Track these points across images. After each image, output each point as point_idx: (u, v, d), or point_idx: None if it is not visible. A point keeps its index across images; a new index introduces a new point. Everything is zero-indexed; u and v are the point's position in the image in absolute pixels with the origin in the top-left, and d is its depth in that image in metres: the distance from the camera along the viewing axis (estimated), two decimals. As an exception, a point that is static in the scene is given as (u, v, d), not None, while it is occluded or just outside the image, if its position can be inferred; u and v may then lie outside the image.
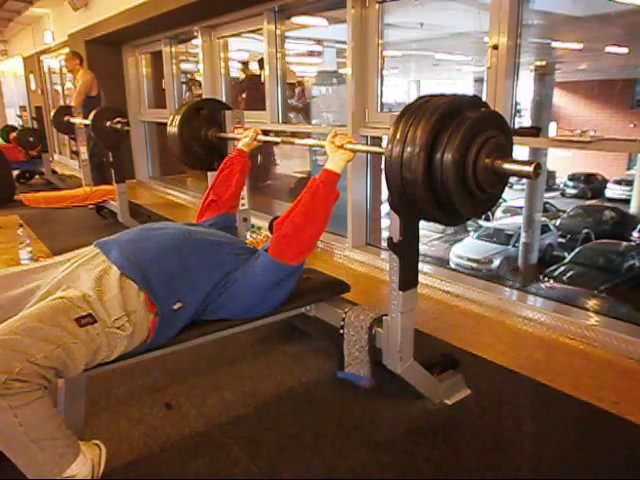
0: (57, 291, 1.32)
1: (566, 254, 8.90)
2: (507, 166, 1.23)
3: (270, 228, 2.02)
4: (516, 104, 2.44)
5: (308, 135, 3.75)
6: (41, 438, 1.13)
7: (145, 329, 1.37)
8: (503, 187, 1.36)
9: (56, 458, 1.15)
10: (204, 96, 4.64)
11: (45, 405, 1.14)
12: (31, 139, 6.00)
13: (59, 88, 8.55)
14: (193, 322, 1.50)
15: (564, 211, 11.46)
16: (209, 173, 2.64)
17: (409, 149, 1.22)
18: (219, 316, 1.55)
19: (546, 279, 7.85)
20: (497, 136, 1.25)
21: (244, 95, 5.10)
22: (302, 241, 1.56)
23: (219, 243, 1.62)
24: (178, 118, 2.30)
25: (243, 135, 2.16)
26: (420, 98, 1.30)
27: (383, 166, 1.29)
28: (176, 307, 1.42)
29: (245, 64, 4.03)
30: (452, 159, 1.19)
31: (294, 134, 3.92)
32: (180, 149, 2.34)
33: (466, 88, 11.30)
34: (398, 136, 1.24)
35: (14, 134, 6.04)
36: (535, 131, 2.33)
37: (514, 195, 11.95)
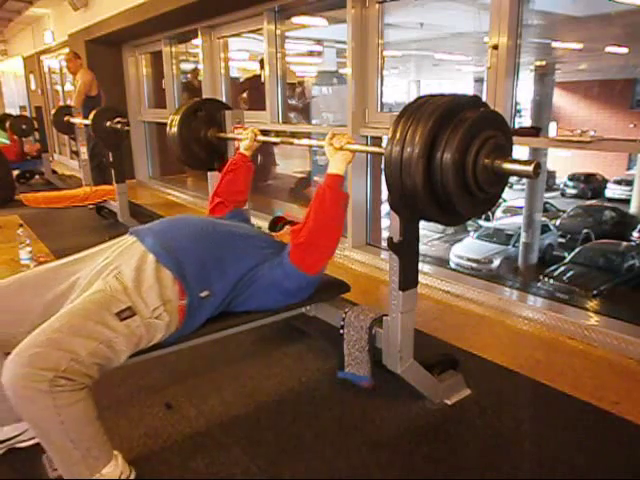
0: (98, 280, 1.35)
1: (566, 254, 8.91)
2: (507, 166, 1.23)
3: (270, 228, 2.02)
4: (516, 104, 2.44)
5: (308, 135, 3.75)
6: (79, 439, 1.15)
7: (176, 317, 1.41)
8: (503, 187, 1.36)
9: (90, 460, 1.18)
10: (204, 96, 4.64)
11: (87, 408, 1.17)
12: (24, 127, 6.00)
13: (59, 88, 8.55)
14: (220, 314, 1.53)
15: (564, 211, 11.47)
16: (209, 173, 2.64)
17: (408, 149, 1.22)
18: (246, 307, 1.58)
19: (546, 279, 7.85)
20: (496, 136, 1.25)
21: (244, 95, 5.10)
22: (319, 248, 1.59)
23: (248, 236, 1.66)
24: (177, 118, 2.30)
25: (242, 136, 2.16)
26: (419, 98, 1.30)
27: (383, 166, 1.29)
28: (203, 295, 1.45)
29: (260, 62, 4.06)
30: (451, 159, 1.19)
31: (294, 134, 3.92)
32: (180, 149, 2.34)
33: (466, 88, 11.31)
34: (397, 136, 1.24)
35: (9, 122, 6.03)
36: (535, 131, 2.33)
37: (514, 195, 11.96)
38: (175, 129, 2.30)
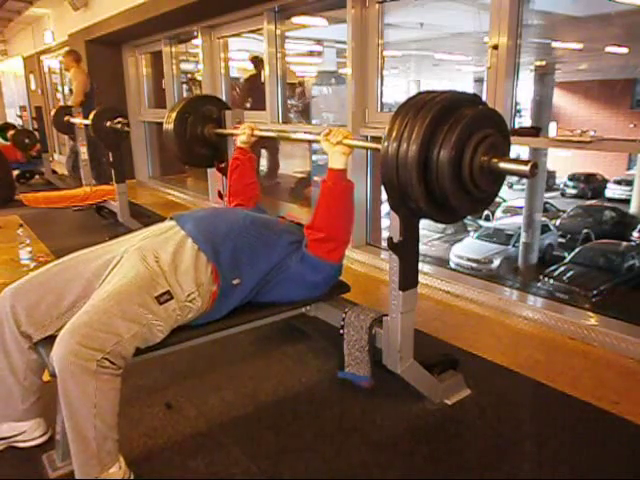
0: (137, 260, 1.39)
1: (566, 254, 8.90)
2: (503, 165, 1.23)
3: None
4: (516, 104, 2.44)
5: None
6: (100, 427, 1.18)
7: (208, 301, 1.46)
8: (500, 185, 1.35)
9: (103, 454, 1.20)
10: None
11: (116, 398, 1.22)
12: (27, 140, 6.00)
13: (59, 88, 8.54)
14: (246, 304, 1.58)
15: (564, 211, 11.46)
16: (209, 172, 2.64)
17: (405, 146, 1.21)
18: (270, 298, 1.63)
19: (546, 279, 7.84)
20: (494, 134, 1.25)
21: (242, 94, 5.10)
22: (335, 239, 1.64)
23: (281, 230, 1.71)
24: (174, 115, 2.30)
25: (239, 131, 2.16)
26: (418, 94, 1.29)
27: (380, 163, 1.29)
28: (235, 282, 1.50)
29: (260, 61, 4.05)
30: (448, 157, 1.18)
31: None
32: (177, 147, 2.33)
33: (466, 88, 11.30)
34: (394, 133, 1.24)
35: (12, 132, 6.03)
36: (535, 131, 2.33)
37: (514, 195, 11.96)
38: (171, 126, 2.30)
